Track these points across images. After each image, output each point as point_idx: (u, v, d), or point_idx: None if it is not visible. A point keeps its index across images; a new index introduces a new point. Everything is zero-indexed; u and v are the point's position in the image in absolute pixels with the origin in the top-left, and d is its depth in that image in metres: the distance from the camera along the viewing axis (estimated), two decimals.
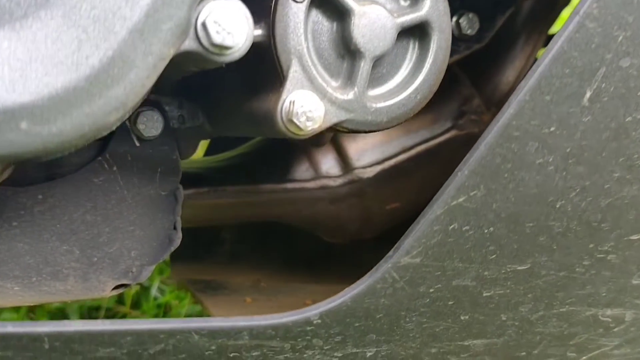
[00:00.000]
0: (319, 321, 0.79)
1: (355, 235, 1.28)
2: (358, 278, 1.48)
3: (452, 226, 0.77)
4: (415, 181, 1.24)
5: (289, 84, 0.78)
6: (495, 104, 1.29)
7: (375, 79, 0.84)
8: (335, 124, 0.80)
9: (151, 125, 0.95)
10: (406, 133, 1.23)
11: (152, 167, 0.98)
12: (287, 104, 0.78)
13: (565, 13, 1.37)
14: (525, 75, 1.22)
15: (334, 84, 0.81)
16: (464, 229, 0.78)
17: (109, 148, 0.95)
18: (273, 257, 1.43)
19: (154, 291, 1.77)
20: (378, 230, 1.29)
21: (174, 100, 1.00)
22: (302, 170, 1.20)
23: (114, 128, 0.71)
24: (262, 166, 1.22)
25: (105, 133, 0.68)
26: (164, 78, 0.93)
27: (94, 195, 0.95)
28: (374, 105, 0.82)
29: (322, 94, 0.79)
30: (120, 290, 0.98)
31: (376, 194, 1.22)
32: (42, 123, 0.60)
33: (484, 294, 0.83)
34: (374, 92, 0.84)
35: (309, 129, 0.78)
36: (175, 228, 1.00)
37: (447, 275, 0.80)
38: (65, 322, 0.69)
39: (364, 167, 1.21)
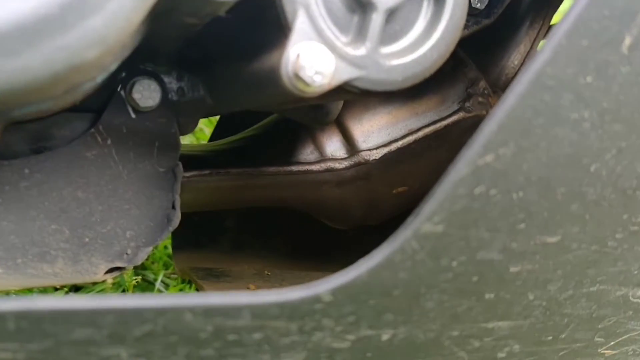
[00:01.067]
0: (331, 298, 0.65)
1: (361, 220, 1.15)
2: None
3: (478, 189, 0.64)
4: (423, 164, 1.12)
5: (295, 36, 0.65)
6: (502, 88, 1.18)
7: (388, 36, 0.71)
8: (346, 82, 0.67)
9: (148, 95, 0.82)
10: (413, 115, 1.11)
11: (150, 141, 0.85)
12: (292, 56, 0.64)
13: (566, 5, 1.27)
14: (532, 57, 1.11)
15: (344, 39, 0.68)
16: (491, 193, 0.64)
17: (103, 119, 0.82)
18: (277, 246, 1.30)
19: (157, 285, 1.63)
20: (384, 216, 1.16)
21: (173, 72, 0.86)
22: (307, 153, 1.08)
23: (99, 79, 0.58)
24: (265, 148, 1.09)
25: (84, 77, 0.55)
26: (161, 44, 0.80)
27: (86, 171, 0.82)
28: (387, 62, 0.69)
29: (332, 47, 0.66)
30: (114, 274, 0.85)
31: (382, 177, 1.10)
32: (6, 54, 0.47)
33: (511, 270, 0.70)
34: (387, 49, 0.71)
35: (318, 84, 0.64)
36: (174, 207, 0.87)
37: (471, 246, 0.66)
38: (35, 298, 0.54)
39: (370, 150, 1.08)
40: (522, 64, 1.20)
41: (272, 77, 0.67)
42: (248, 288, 1.09)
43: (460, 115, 1.12)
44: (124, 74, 0.82)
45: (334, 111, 0.97)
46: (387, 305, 0.68)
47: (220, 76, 0.84)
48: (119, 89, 0.82)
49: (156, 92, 0.82)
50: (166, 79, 0.85)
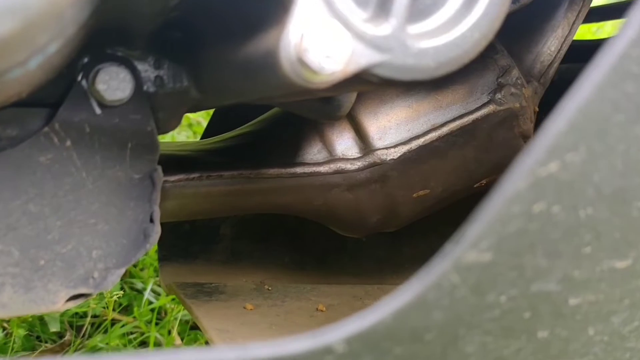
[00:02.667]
0: (345, 349, 0.50)
1: (376, 228, 1.01)
2: (374, 276, 1.23)
3: (537, 207, 0.48)
4: (447, 164, 0.97)
5: (298, 10, 0.49)
6: (536, 77, 1.02)
7: (418, 11, 0.55)
8: (365, 69, 0.51)
9: (116, 86, 0.67)
10: (436, 108, 0.96)
11: (120, 142, 0.69)
12: (295, 36, 0.49)
13: None
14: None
15: (362, 14, 0.53)
16: (553, 210, 0.49)
17: (59, 116, 0.66)
18: (278, 255, 1.15)
19: (147, 294, 1.48)
20: (403, 223, 1.01)
21: (149, 57, 0.71)
22: (314, 152, 0.93)
23: (32, 64, 0.42)
24: (265, 147, 0.93)
25: (4, 60, 0.39)
26: (133, 22, 0.64)
27: (39, 179, 0.66)
28: (416, 44, 0.54)
29: (346, 24, 0.50)
30: (78, 302, 0.71)
31: (401, 179, 0.96)
32: None
33: (570, 302, 0.55)
34: (416, 27, 0.55)
35: (328, 72, 0.49)
36: (152, 220, 0.72)
37: (525, 277, 0.51)
38: None
39: (387, 148, 0.94)
40: (559, 51, 1.05)
41: (270, 62, 0.51)
42: (244, 308, 0.94)
43: (490, 108, 0.98)
44: (86, 60, 0.67)
45: (347, 104, 0.82)
46: (416, 352, 0.53)
47: (207, 62, 0.68)
48: (79, 78, 0.66)
49: (127, 82, 0.67)
50: (140, 66, 0.69)
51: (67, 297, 0.69)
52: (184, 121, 2.36)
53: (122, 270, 0.71)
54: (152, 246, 0.72)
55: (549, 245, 0.49)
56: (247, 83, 0.62)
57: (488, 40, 0.57)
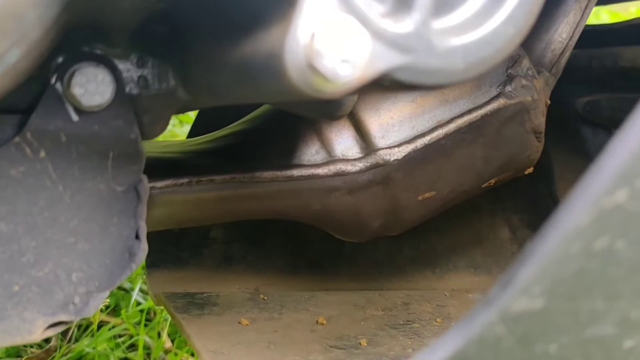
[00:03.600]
0: None
1: (378, 233, 0.93)
2: (373, 279, 1.15)
3: (600, 242, 0.40)
4: (454, 164, 0.90)
5: (307, 2, 0.41)
6: (547, 67, 0.94)
7: (442, 4, 0.47)
8: (384, 73, 0.43)
9: (94, 90, 0.58)
10: (442, 103, 0.88)
11: (101, 151, 0.61)
12: (304, 37, 0.40)
13: None
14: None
15: (379, 8, 0.44)
16: (617, 246, 0.40)
17: (31, 124, 0.58)
18: (273, 259, 1.06)
19: (135, 295, 1.40)
20: (407, 227, 0.94)
21: (132, 55, 0.62)
22: (312, 153, 0.85)
23: None
24: (259, 148, 0.85)
25: None
26: (114, 16, 0.56)
27: (10, 195, 0.58)
28: (443, 42, 0.45)
29: (363, 21, 0.42)
30: (57, 330, 0.63)
31: (406, 181, 0.88)
32: None
33: (625, 345, 0.47)
34: (441, 22, 0.46)
35: (345, 79, 0.40)
36: (137, 237, 0.64)
37: (579, 322, 0.43)
38: None
39: (391, 147, 0.86)
40: (571, 37, 0.97)
41: (272, 67, 0.43)
42: (239, 324, 0.86)
43: (500, 102, 0.90)
44: (60, 60, 0.58)
45: (349, 102, 0.74)
46: None
47: (197, 61, 0.60)
48: (52, 80, 0.58)
49: (106, 85, 0.58)
50: (122, 66, 0.61)
51: (46, 325, 0.61)
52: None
53: (106, 294, 0.63)
54: (139, 266, 0.64)
55: (609, 285, 0.41)
56: (244, 87, 0.53)
57: (523, 37, 0.49)
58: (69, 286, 0.62)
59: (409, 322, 0.94)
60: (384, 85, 0.46)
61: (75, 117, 0.59)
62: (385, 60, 0.43)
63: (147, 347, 1.35)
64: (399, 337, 0.89)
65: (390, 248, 1.15)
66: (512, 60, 0.92)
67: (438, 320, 0.96)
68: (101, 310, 1.33)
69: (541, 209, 1.24)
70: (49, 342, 1.33)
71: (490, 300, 0.39)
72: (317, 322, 0.90)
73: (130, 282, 1.46)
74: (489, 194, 0.97)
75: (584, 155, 1.26)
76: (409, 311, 0.99)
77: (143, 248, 0.64)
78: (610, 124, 1.23)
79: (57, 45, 0.57)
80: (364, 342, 0.86)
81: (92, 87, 0.58)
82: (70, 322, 0.62)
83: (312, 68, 0.40)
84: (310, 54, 0.39)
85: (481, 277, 1.19)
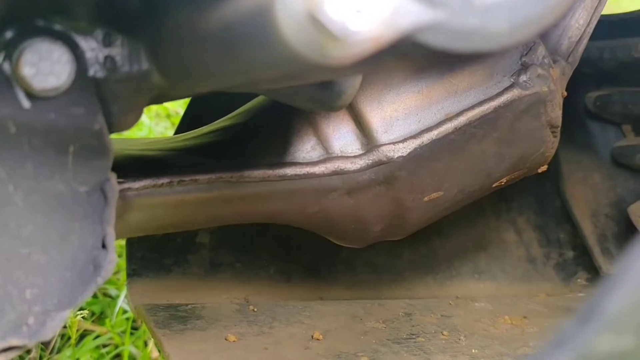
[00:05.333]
0: None
1: (379, 237, 0.84)
2: (370, 288, 1.04)
3: None
4: (464, 161, 0.81)
5: None
6: (564, 55, 0.84)
7: None
8: (409, 34, 0.32)
9: (48, 70, 0.47)
10: (451, 94, 0.79)
11: (59, 144, 0.50)
12: None
13: None
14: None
15: None
16: None
17: None
18: (264, 266, 0.96)
19: (121, 302, 1.28)
20: (410, 231, 0.84)
21: (96, 31, 0.51)
22: (307, 149, 0.75)
23: None
24: (249, 144, 0.75)
25: None
26: None
27: None
28: None
29: None
30: (9, 355, 0.52)
31: (411, 180, 0.78)
32: None
33: None
34: None
35: (357, 38, 0.29)
36: (104, 246, 0.53)
37: None
38: None
39: (394, 143, 0.77)
40: (588, 24, 0.86)
41: (260, 25, 0.32)
42: (225, 340, 0.74)
43: (514, 93, 0.81)
44: (9, 35, 0.47)
45: (350, 90, 0.62)
46: None
47: (173, 35, 0.49)
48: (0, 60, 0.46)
49: (63, 64, 0.47)
50: (85, 44, 0.50)
51: None
52: (161, 111, 2.14)
53: (66, 313, 0.52)
54: (105, 279, 0.53)
55: None
56: (229, 62, 0.42)
57: None
58: (21, 305, 0.51)
59: (413, 336, 0.84)
60: (408, 54, 0.35)
61: (26, 103, 0.48)
62: (411, 16, 0.31)
63: (132, 358, 1.24)
64: (402, 353, 0.78)
65: (390, 252, 1.05)
66: (527, 48, 0.82)
67: (445, 333, 0.86)
68: (85, 319, 1.22)
69: (548, 209, 1.15)
70: (30, 353, 1.22)
71: (565, 338, 0.28)
72: (312, 337, 0.79)
73: (116, 288, 1.35)
74: (492, 194, 0.87)
75: (592, 152, 1.17)
76: (412, 323, 0.88)
77: (110, 259, 0.53)
78: (622, 120, 1.15)
79: (5, 17, 0.46)
80: (364, 359, 0.75)
81: (45, 66, 0.47)
82: (24, 346, 0.51)
83: (314, 21, 0.29)
84: (312, 2, 0.28)
85: (485, 284, 1.10)
